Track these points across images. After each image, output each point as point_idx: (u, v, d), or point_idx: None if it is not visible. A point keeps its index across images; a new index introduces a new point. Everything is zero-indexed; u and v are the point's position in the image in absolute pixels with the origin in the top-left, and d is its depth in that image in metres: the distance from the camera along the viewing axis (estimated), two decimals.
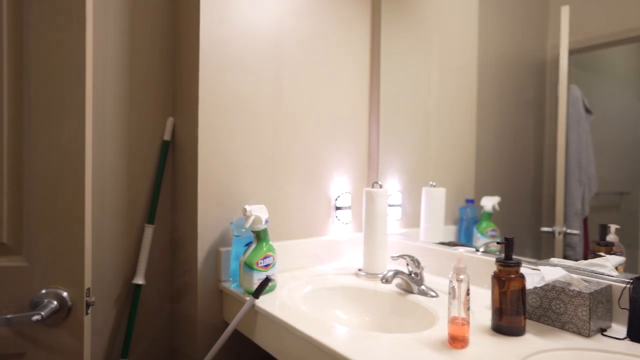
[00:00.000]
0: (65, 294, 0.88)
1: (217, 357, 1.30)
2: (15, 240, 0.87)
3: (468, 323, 0.84)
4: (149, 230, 1.36)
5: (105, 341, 1.33)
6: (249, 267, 1.16)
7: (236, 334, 1.29)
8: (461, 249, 0.89)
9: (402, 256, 1.23)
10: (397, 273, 1.20)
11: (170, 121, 1.42)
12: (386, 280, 1.18)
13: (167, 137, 1.41)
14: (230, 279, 1.30)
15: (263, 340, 1.11)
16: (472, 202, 1.35)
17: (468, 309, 0.84)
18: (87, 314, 0.90)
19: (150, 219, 1.37)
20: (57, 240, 0.88)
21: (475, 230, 1.34)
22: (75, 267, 0.88)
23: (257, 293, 1.11)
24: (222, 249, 1.30)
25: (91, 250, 0.92)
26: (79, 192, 0.88)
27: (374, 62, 1.68)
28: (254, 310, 1.12)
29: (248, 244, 1.23)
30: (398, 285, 1.25)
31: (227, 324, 1.32)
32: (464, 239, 1.36)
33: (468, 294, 0.84)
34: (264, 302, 1.12)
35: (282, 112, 1.44)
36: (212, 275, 1.30)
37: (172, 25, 1.43)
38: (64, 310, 0.87)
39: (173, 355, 1.43)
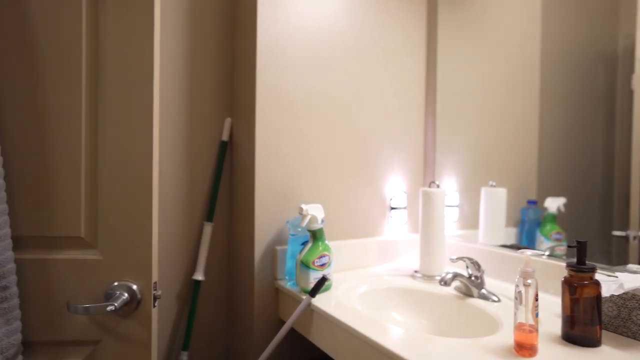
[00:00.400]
0: (134, 286, 0.93)
1: (273, 355, 1.32)
2: (91, 235, 0.93)
3: (537, 330, 0.80)
4: (208, 228, 1.41)
5: (168, 333, 1.39)
6: (305, 266, 1.17)
7: (292, 331, 1.31)
8: (528, 252, 0.84)
9: (461, 258, 1.19)
10: (456, 276, 1.16)
11: (228, 122, 1.46)
12: (445, 282, 1.15)
13: (225, 137, 1.45)
14: (286, 277, 1.32)
15: (319, 339, 1.11)
16: (534, 203, 1.29)
17: (536, 315, 0.80)
18: (154, 306, 0.94)
19: (209, 217, 1.42)
20: (128, 236, 0.93)
21: (538, 233, 1.27)
22: (143, 262, 0.93)
23: (313, 292, 1.12)
24: (279, 248, 1.32)
25: (157, 247, 0.97)
26: (147, 190, 0.93)
27: (429, 58, 1.64)
28: (310, 309, 1.13)
29: (304, 243, 1.24)
30: (457, 289, 1.21)
31: (282, 322, 1.34)
32: (526, 241, 1.30)
33: (537, 299, 0.80)
34: (320, 301, 1.12)
35: (338, 111, 1.44)
36: (269, 273, 1.33)
37: (230, 26, 1.48)
38: (134, 302, 0.92)
39: (230, 350, 1.47)
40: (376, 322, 0.98)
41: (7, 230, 0.87)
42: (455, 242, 1.48)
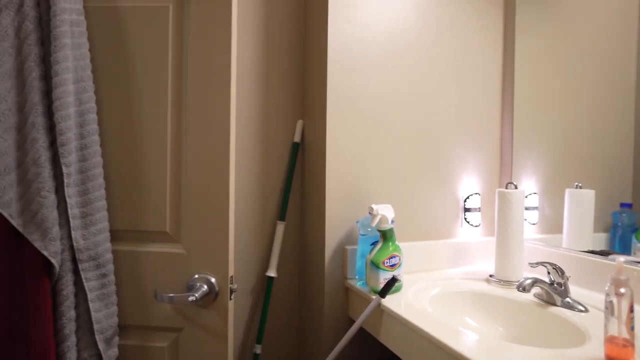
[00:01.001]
0: (213, 279, 0.98)
1: (343, 353, 1.34)
2: (175, 230, 1.00)
3: (632, 345, 0.73)
4: (280, 227, 1.45)
5: (243, 325, 1.46)
6: (375, 266, 1.17)
7: (362, 331, 1.31)
8: (621, 258, 0.77)
9: (542, 263, 1.12)
10: (536, 282, 1.09)
11: (300, 123, 1.50)
12: (523, 288, 1.09)
13: (297, 139, 1.49)
14: (356, 276, 1.32)
15: (388, 339, 1.10)
16: (629, 206, 1.17)
17: (632, 328, 0.73)
18: (230, 299, 0.99)
19: (281, 216, 1.46)
20: (207, 232, 0.99)
21: (634, 240, 1.15)
22: (221, 257, 0.98)
23: (383, 292, 1.11)
24: (349, 247, 1.33)
25: (233, 243, 1.02)
26: (225, 191, 0.98)
27: (506, 51, 1.56)
28: (380, 310, 1.13)
29: (374, 243, 1.24)
30: (537, 295, 1.14)
31: (352, 321, 1.34)
32: (619, 248, 1.19)
33: (632, 310, 0.73)
34: (390, 302, 1.11)
35: (408, 111, 1.42)
36: (339, 272, 1.34)
37: (301, 30, 1.51)
38: (212, 294, 0.98)
39: (302, 345, 1.51)
40: (449, 325, 0.95)
41: (106, 224, 0.97)
42: (534, 247, 1.39)
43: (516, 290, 1.14)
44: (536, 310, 1.10)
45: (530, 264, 1.14)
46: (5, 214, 0.88)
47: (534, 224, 1.44)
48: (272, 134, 1.49)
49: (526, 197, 1.46)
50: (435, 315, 1.07)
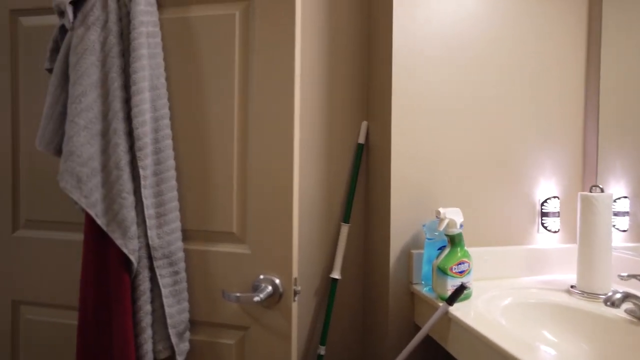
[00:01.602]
0: (277, 280, 1.00)
1: (409, 359, 1.30)
2: (241, 231, 1.03)
3: None
4: (344, 229, 1.45)
5: (307, 327, 1.47)
6: (442, 272, 1.12)
7: (428, 339, 1.26)
8: None
9: (635, 276, 1.00)
10: (627, 296, 0.98)
11: (364, 124, 1.48)
12: (612, 303, 0.98)
13: (361, 140, 1.47)
14: (422, 282, 1.28)
15: (456, 350, 1.05)
16: None
17: None
18: (294, 300, 1.00)
19: (345, 218, 1.45)
20: (272, 234, 1.00)
21: None
22: (285, 258, 1.00)
23: (451, 300, 1.06)
24: (414, 251, 1.29)
25: (298, 244, 1.03)
26: (289, 192, 0.99)
27: (591, 45, 1.42)
28: (447, 318, 1.08)
29: (441, 248, 1.19)
30: (629, 312, 1.02)
31: (417, 327, 1.30)
32: None
33: None
34: (458, 310, 1.06)
35: (479, 110, 1.35)
36: (404, 276, 1.31)
37: (365, 30, 1.50)
38: (277, 295, 1.00)
39: (366, 349, 1.49)
40: (524, 340, 0.89)
41: (178, 224, 1.02)
42: (624, 256, 1.25)
43: (603, 304, 1.04)
44: (629, 328, 0.99)
45: (620, 276, 1.03)
46: (92, 213, 0.96)
47: (624, 231, 1.30)
48: (336, 136, 1.48)
49: (615, 201, 1.32)
50: (509, 328, 1.00)
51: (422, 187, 1.32)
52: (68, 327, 1.13)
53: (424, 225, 1.27)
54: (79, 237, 1.10)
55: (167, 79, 1.06)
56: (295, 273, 1.00)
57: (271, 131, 1.00)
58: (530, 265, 1.37)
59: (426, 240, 1.25)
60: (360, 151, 1.47)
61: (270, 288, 0.98)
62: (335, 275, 1.43)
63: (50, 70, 1.08)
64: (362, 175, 1.50)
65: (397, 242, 1.30)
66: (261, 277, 1.00)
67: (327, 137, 1.48)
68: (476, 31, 1.34)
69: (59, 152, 1.04)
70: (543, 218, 1.39)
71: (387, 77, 1.32)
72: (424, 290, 1.24)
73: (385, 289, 1.32)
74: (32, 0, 1.16)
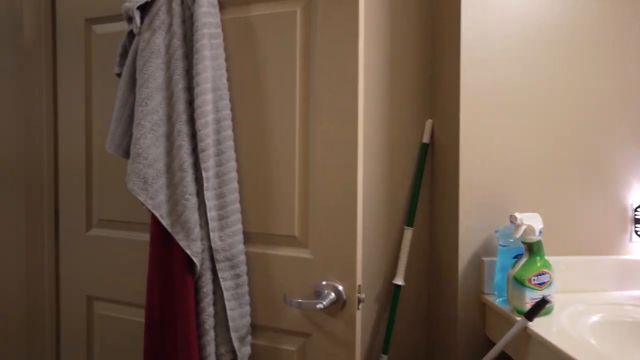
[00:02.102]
0: (340, 287, 0.95)
1: None
2: (303, 235, 1.00)
3: None
4: (408, 233, 1.37)
5: (369, 334, 1.41)
6: (519, 283, 1.02)
7: (503, 355, 1.16)
8: None
9: None
10: None
11: (429, 123, 1.40)
12: None
13: (425, 139, 1.39)
14: (495, 292, 1.18)
15: None
16: None
17: None
18: (358, 309, 0.95)
19: (409, 222, 1.38)
20: (334, 238, 0.96)
21: None
22: (349, 264, 0.95)
23: (530, 314, 0.96)
24: (486, 259, 1.19)
25: (362, 250, 0.98)
26: (353, 196, 0.94)
27: None
28: (526, 333, 0.98)
29: (517, 256, 1.09)
30: None
31: (489, 340, 1.20)
32: None
33: None
34: (539, 326, 0.96)
35: (559, 103, 1.23)
36: (474, 286, 1.21)
37: (429, 22, 1.41)
38: (340, 303, 0.95)
39: (430, 359, 1.41)
40: None
41: (240, 227, 1.01)
42: None
43: None
44: None
45: None
46: (157, 215, 0.97)
47: None
48: (399, 136, 1.41)
49: None
50: (600, 349, 0.89)
51: (494, 190, 1.22)
52: (137, 324, 1.16)
53: (496, 231, 1.17)
54: (147, 237, 1.13)
55: (229, 79, 1.05)
56: (359, 280, 0.95)
57: (334, 131, 0.96)
58: (622, 278, 1.22)
59: (499, 247, 1.15)
60: (425, 151, 1.39)
61: (333, 295, 0.94)
62: (399, 281, 1.36)
63: (119, 75, 1.11)
64: (426, 176, 1.42)
65: (466, 248, 1.21)
66: (323, 283, 0.97)
67: (389, 137, 1.41)
68: (555, 15, 1.21)
69: (127, 154, 1.07)
70: (637, 225, 1.24)
71: (454, 70, 1.23)
72: (497, 301, 1.14)
73: (454, 297, 1.23)
74: (104, 9, 1.20)
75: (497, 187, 1.22)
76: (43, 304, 1.31)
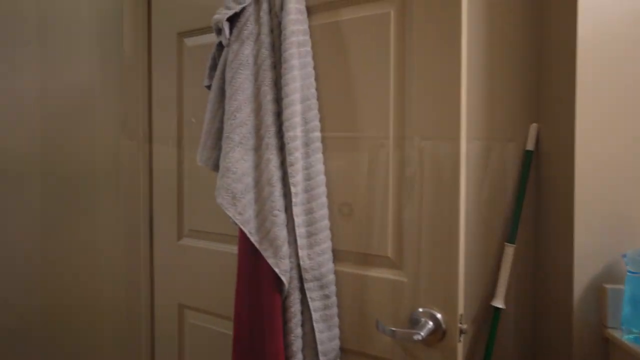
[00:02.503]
0: (439, 316, 0.87)
1: None
2: (397, 255, 0.92)
3: None
4: (509, 250, 1.23)
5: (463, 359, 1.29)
6: None
7: None
8: None
9: None
10: None
11: (533, 128, 1.24)
12: None
13: (530, 146, 1.24)
14: (622, 326, 1.01)
15: None
16: None
17: None
18: (460, 341, 0.86)
19: (510, 238, 1.24)
20: (432, 261, 0.88)
21: None
22: (449, 291, 0.86)
23: None
24: (609, 287, 1.03)
25: (464, 274, 0.88)
26: (454, 215, 0.85)
27: None
28: None
29: None
30: None
31: None
32: None
33: None
34: None
35: None
36: (594, 317, 1.05)
37: (537, 13, 1.25)
38: (439, 333, 0.86)
39: None
40: None
41: (329, 244, 0.96)
42: None
43: None
44: None
45: None
46: (246, 231, 0.95)
47: None
48: (498, 142, 1.27)
49: None
50: None
51: (620, 206, 1.05)
52: (225, 336, 1.16)
53: (624, 255, 1.00)
54: (235, 249, 1.12)
55: (317, 88, 1.00)
56: (461, 309, 0.85)
57: (432, 143, 0.87)
58: None
59: (628, 274, 0.99)
60: (529, 159, 1.24)
61: (431, 324, 0.85)
62: (499, 303, 1.23)
63: (209, 87, 1.11)
64: (530, 188, 1.26)
65: (583, 272, 1.06)
66: (420, 310, 0.88)
67: (487, 144, 1.27)
68: None
69: (216, 166, 1.06)
70: None
71: (568, 69, 1.08)
72: (624, 337, 0.98)
73: (567, 329, 1.08)
74: (195, 22, 1.22)
75: (624, 203, 1.04)
76: (139, 309, 1.37)
